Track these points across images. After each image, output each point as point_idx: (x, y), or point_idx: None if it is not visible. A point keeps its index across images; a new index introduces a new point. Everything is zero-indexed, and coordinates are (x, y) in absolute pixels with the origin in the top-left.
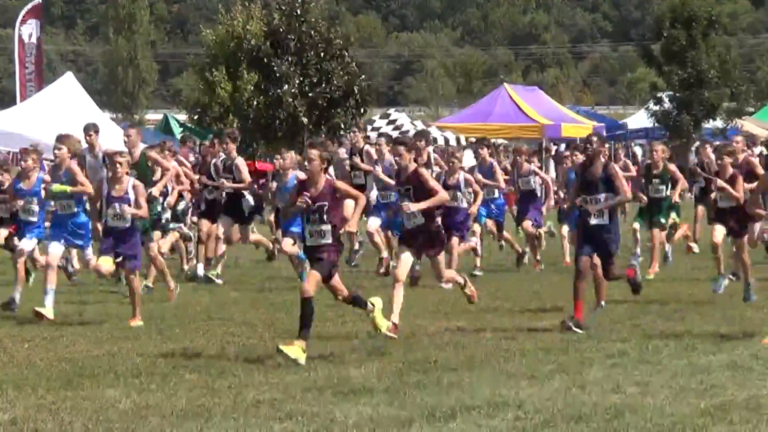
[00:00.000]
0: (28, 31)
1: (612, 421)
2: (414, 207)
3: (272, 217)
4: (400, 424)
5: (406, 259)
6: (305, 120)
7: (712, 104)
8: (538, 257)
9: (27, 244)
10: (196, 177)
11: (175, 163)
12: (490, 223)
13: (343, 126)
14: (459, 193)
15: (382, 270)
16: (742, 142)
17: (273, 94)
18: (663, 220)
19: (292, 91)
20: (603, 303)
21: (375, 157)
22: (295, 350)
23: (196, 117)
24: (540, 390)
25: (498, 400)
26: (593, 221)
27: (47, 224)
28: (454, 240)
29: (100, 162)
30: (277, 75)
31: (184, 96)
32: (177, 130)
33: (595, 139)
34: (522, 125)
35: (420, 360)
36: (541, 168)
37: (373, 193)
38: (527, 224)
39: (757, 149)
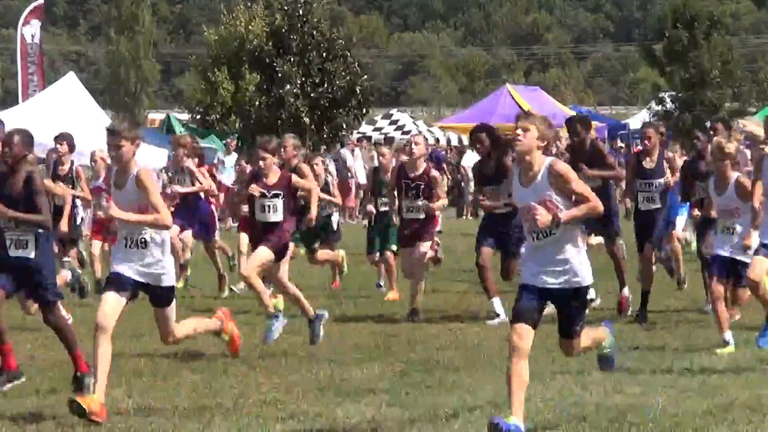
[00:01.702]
0: (31, 31)
1: (614, 421)
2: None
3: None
4: (402, 424)
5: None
6: (307, 120)
7: (714, 104)
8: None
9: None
10: None
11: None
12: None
13: (345, 126)
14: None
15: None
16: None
17: (275, 94)
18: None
19: (295, 91)
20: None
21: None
22: None
23: (198, 117)
24: (542, 390)
25: (500, 401)
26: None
27: None
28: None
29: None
30: (280, 75)
31: (187, 96)
32: (179, 131)
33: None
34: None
35: (422, 360)
36: None
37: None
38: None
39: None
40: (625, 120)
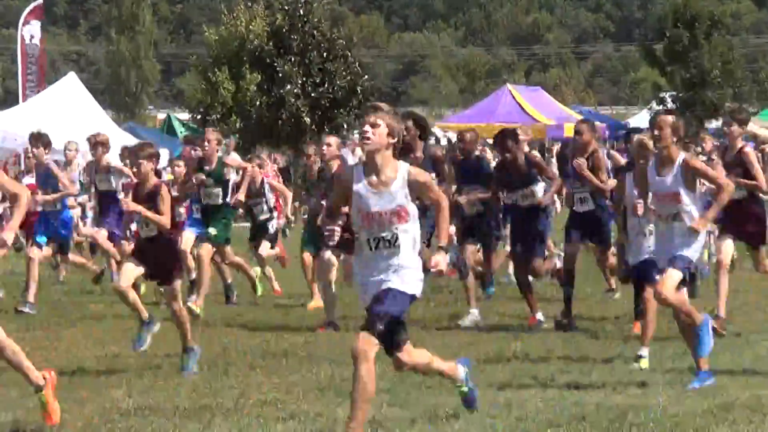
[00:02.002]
0: (31, 32)
1: (614, 421)
2: None
3: None
4: (403, 424)
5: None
6: (308, 120)
7: (715, 104)
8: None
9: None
10: None
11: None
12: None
13: (345, 126)
14: None
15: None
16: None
17: (276, 94)
18: (213, 233)
19: (295, 91)
20: None
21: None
22: None
23: (198, 117)
24: (542, 390)
25: (500, 401)
26: None
27: None
28: None
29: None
30: (280, 75)
31: (187, 96)
32: (180, 130)
33: None
34: (525, 125)
35: None
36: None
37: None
38: None
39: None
40: (625, 120)
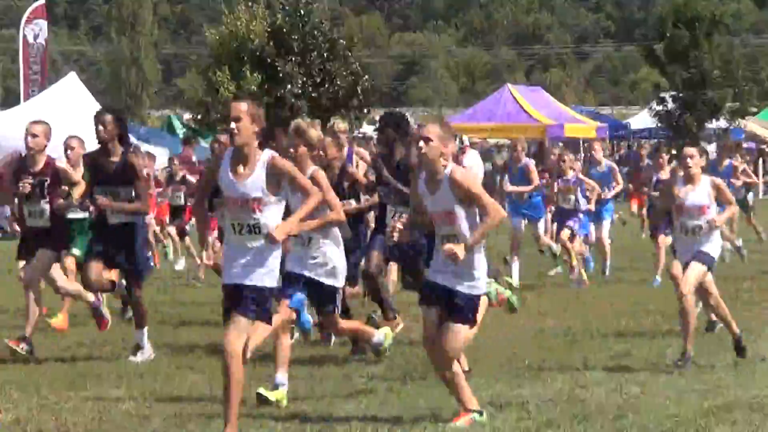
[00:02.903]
0: (34, 31)
1: (615, 421)
2: None
3: None
4: (403, 424)
5: None
6: (309, 120)
7: (715, 104)
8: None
9: None
10: None
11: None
12: None
13: None
14: None
15: None
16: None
17: (276, 94)
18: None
19: (296, 91)
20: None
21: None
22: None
23: (199, 117)
24: (543, 390)
25: (501, 401)
26: None
27: None
28: None
29: None
30: (281, 75)
31: (188, 96)
32: (180, 131)
33: None
34: (525, 125)
35: (423, 360)
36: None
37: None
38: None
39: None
40: (626, 120)
